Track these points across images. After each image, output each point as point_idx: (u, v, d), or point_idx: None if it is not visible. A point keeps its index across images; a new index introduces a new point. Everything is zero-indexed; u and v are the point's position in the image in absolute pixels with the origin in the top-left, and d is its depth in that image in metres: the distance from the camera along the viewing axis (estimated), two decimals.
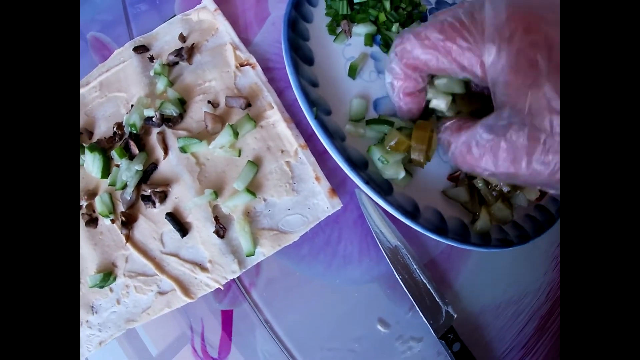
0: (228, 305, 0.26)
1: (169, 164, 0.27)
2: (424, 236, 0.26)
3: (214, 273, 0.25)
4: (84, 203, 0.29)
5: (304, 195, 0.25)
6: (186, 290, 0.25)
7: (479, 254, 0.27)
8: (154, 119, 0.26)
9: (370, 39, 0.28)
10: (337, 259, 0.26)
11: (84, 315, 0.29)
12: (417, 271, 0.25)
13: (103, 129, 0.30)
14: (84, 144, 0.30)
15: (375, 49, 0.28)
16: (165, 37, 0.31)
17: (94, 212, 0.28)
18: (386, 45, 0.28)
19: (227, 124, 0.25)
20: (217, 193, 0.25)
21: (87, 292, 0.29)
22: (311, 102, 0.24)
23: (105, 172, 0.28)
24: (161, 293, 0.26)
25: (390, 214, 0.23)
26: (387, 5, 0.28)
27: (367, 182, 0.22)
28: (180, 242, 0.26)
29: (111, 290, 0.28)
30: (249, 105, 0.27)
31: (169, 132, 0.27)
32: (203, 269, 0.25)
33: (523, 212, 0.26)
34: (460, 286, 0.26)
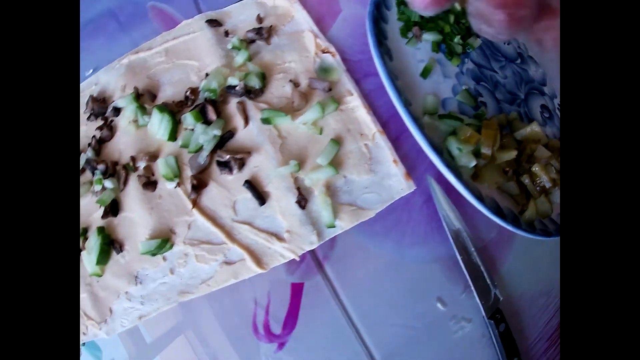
0: (299, 278, 0.26)
1: (248, 134, 0.27)
2: (477, 223, 0.29)
3: (292, 243, 0.25)
4: (142, 164, 0.28)
5: (380, 176, 0.27)
6: (258, 261, 0.25)
7: (522, 244, 0.31)
8: (237, 88, 0.27)
9: (436, 46, 0.32)
10: (405, 238, 0.28)
11: (123, 286, 0.27)
12: (474, 253, 0.28)
13: (169, 93, 0.30)
14: (146, 106, 0.29)
15: (441, 55, 0.33)
16: (240, 16, 0.32)
17: (153, 175, 0.28)
18: (450, 54, 0.32)
19: (316, 101, 0.27)
20: (299, 165, 0.26)
21: (131, 260, 0.27)
22: (399, 91, 0.27)
23: (173, 134, 0.28)
24: (228, 263, 0.26)
25: (453, 200, 0.26)
26: (452, 19, 0.33)
27: (447, 165, 0.25)
28: (256, 211, 0.26)
29: (164, 258, 0.27)
30: (330, 89, 0.29)
31: (250, 103, 0.28)
32: (280, 238, 0.25)
33: (557, 209, 0.31)
34: (504, 272, 0.30)
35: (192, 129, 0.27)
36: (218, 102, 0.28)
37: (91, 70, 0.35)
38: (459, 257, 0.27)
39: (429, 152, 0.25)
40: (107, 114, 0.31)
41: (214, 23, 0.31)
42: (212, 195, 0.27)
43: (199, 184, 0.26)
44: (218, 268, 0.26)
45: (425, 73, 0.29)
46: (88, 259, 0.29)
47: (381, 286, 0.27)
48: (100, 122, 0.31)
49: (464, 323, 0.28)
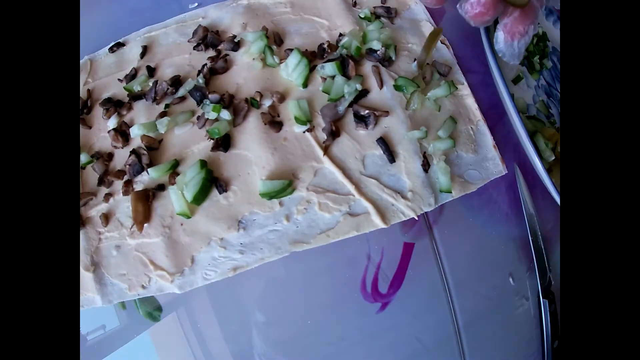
0: (411, 239, 0.28)
1: (382, 96, 0.29)
2: (541, 212, 0.34)
3: (413, 203, 0.27)
4: (267, 102, 0.27)
5: (481, 157, 0.31)
6: (383, 215, 0.26)
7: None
8: (378, 52, 0.29)
9: (523, 60, 0.40)
10: (493, 216, 0.32)
11: (219, 231, 0.26)
12: (540, 238, 0.33)
13: (297, 42, 0.31)
14: (273, 47, 0.29)
15: (524, 68, 0.40)
16: None
17: (278, 115, 0.27)
18: (530, 69, 0.40)
19: (448, 80, 0.30)
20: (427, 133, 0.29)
21: (237, 202, 0.26)
22: (507, 86, 0.32)
23: (306, 80, 0.28)
24: (351, 214, 0.26)
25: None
26: (535, 40, 0.41)
27: (538, 155, 0.30)
28: (383, 168, 0.27)
29: (281, 204, 0.26)
30: (446, 75, 0.33)
31: (383, 70, 0.30)
32: (404, 197, 0.27)
33: None
34: (554, 260, 0.36)
35: (332, 78, 0.27)
36: (354, 61, 0.29)
37: (196, 4, 0.33)
38: (530, 239, 0.33)
39: (526, 140, 0.31)
40: (220, 47, 0.30)
41: None
42: (343, 146, 0.27)
43: (336, 132, 0.27)
44: (341, 219, 0.26)
45: (517, 80, 0.36)
46: (178, 196, 0.26)
47: (474, 256, 0.30)
48: (212, 53, 0.30)
49: (524, 300, 0.33)
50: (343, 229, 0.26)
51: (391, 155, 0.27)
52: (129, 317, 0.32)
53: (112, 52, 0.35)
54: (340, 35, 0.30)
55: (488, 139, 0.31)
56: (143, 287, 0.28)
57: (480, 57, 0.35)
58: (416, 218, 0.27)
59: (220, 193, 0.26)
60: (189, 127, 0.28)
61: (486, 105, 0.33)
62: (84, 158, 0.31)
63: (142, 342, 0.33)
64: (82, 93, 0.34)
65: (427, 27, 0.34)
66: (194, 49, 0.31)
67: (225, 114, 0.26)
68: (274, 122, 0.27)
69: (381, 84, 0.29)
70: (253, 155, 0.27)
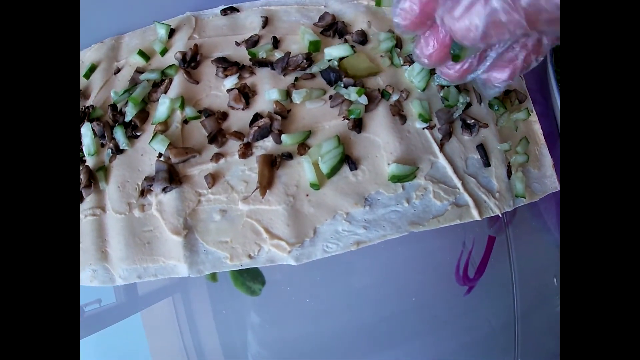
0: (494, 233, 0.34)
1: (480, 110, 0.36)
2: None
3: (500, 202, 0.34)
4: (395, 96, 0.32)
5: (542, 174, 0.40)
6: (479, 209, 0.32)
7: None
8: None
9: None
10: (546, 223, 0.40)
11: (346, 205, 0.29)
12: None
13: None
14: (397, 49, 0.34)
15: None
16: None
17: (402, 110, 0.32)
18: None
19: (527, 107, 0.38)
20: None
21: (365, 181, 0.30)
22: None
23: (426, 85, 0.33)
24: (457, 205, 0.32)
25: None
26: None
27: None
28: (479, 170, 0.34)
29: (403, 188, 0.30)
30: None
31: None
32: (493, 196, 0.33)
33: None
34: None
35: (448, 86, 0.34)
36: None
37: None
38: None
39: None
40: (347, 37, 0.34)
41: None
42: (452, 146, 0.33)
43: (449, 133, 0.32)
44: (449, 208, 0.31)
45: None
46: (310, 167, 0.28)
47: (532, 255, 0.38)
48: (338, 40, 0.34)
49: (556, 302, 0.42)
50: (450, 216, 0.32)
51: (487, 160, 0.34)
52: (127, 294, 0.35)
53: (225, 15, 0.36)
54: None
55: (548, 159, 0.41)
56: (250, 256, 0.29)
57: (542, 91, 0.46)
58: (500, 215, 0.34)
59: (350, 170, 0.30)
60: (320, 103, 0.31)
61: (544, 132, 0.43)
62: (189, 112, 0.32)
63: (133, 323, 0.35)
64: (187, 46, 0.35)
65: None
66: (321, 33, 0.35)
67: (364, 99, 0.30)
68: (400, 115, 0.32)
69: (480, 100, 0.36)
70: (382, 140, 0.31)
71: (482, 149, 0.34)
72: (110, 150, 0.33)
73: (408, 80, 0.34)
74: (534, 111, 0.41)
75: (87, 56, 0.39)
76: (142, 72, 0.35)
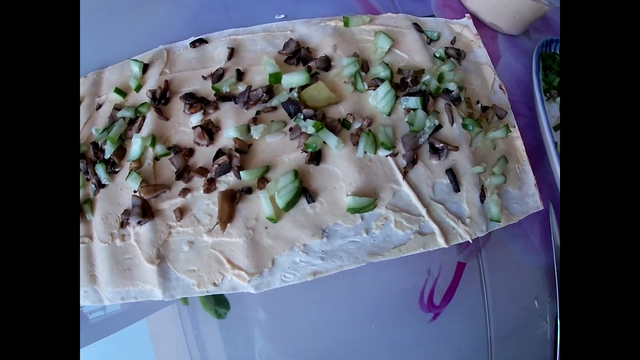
0: (464, 259, 0.35)
1: (452, 132, 0.36)
2: None
3: (470, 228, 0.34)
4: (357, 124, 0.33)
5: (523, 194, 0.39)
6: (445, 237, 0.33)
7: None
8: (453, 93, 0.36)
9: None
10: (528, 244, 0.40)
11: (303, 237, 0.31)
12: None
13: (381, 73, 0.36)
14: (362, 73, 0.34)
15: None
16: (435, 30, 0.42)
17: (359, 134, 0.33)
18: None
19: (506, 124, 0.38)
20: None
21: (323, 213, 0.32)
22: (552, 132, 0.40)
23: (392, 110, 0.34)
24: (420, 234, 0.33)
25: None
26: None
27: None
28: (448, 195, 0.34)
29: (362, 218, 0.31)
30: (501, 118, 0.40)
31: (454, 108, 0.37)
32: (463, 222, 0.34)
33: None
34: None
35: (414, 110, 0.34)
36: (432, 97, 0.36)
37: (283, 16, 0.38)
38: (555, 268, 0.41)
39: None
40: (311, 64, 0.35)
41: (418, 27, 0.40)
42: (418, 172, 0.34)
43: (413, 160, 0.33)
44: (412, 236, 0.32)
45: (557, 128, 0.45)
46: (268, 201, 0.31)
47: (509, 278, 0.38)
48: (301, 68, 0.35)
49: (544, 323, 0.41)
50: (413, 245, 0.33)
51: (457, 185, 0.34)
52: (131, 303, 0.36)
53: (194, 47, 0.39)
54: (422, 71, 0.37)
55: (530, 177, 0.40)
56: (215, 284, 0.32)
57: (528, 103, 0.44)
58: (470, 241, 0.35)
59: (308, 202, 0.32)
60: (280, 136, 0.33)
61: (529, 147, 0.42)
62: (159, 149, 0.35)
63: (138, 329, 0.37)
64: (159, 82, 0.38)
65: (488, 71, 0.42)
66: (285, 61, 0.36)
67: (324, 134, 0.32)
68: (357, 143, 0.33)
69: (452, 121, 0.36)
70: (341, 171, 0.32)
71: (451, 173, 0.35)
72: (93, 185, 0.37)
73: (372, 105, 0.35)
74: (516, 126, 0.40)
75: None
76: (119, 109, 0.39)
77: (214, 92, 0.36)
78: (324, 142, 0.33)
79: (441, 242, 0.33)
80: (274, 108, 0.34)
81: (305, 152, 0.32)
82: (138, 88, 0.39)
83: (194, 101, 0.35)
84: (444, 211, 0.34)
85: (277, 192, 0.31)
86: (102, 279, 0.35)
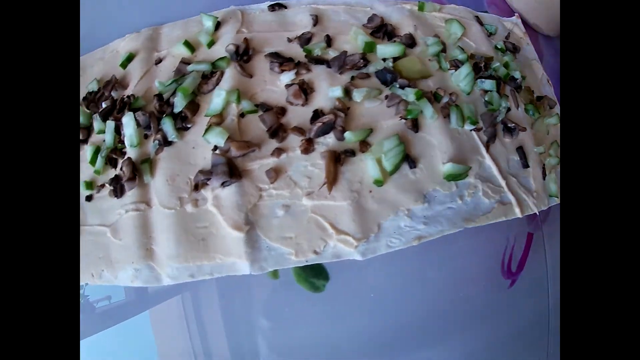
0: (532, 230, 0.38)
1: (517, 114, 0.40)
2: None
3: (537, 201, 0.38)
4: (445, 99, 0.35)
5: None
6: (521, 207, 0.36)
7: None
8: (518, 80, 0.40)
9: None
10: None
11: (407, 202, 0.32)
12: None
13: (459, 56, 0.39)
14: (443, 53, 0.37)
15: None
16: (493, 25, 0.47)
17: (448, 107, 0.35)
18: None
19: (557, 113, 0.43)
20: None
21: (423, 179, 0.33)
22: None
23: (471, 89, 0.37)
24: (502, 203, 0.35)
25: None
26: None
27: None
28: (519, 171, 0.38)
29: (457, 186, 0.33)
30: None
31: (517, 94, 0.41)
32: (532, 195, 0.37)
33: None
34: None
35: (489, 91, 0.37)
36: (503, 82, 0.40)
37: None
38: None
39: None
40: (396, 39, 0.37)
41: (478, 20, 0.45)
42: (497, 147, 0.37)
43: (494, 135, 0.36)
44: (495, 205, 0.35)
45: None
46: (374, 164, 0.31)
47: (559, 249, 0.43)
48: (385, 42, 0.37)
49: None
50: (497, 214, 0.35)
51: (526, 162, 0.38)
52: (136, 291, 0.36)
53: (272, 11, 0.38)
54: (490, 58, 0.42)
55: None
56: (315, 252, 0.30)
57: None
58: (537, 214, 0.38)
59: (410, 168, 0.32)
60: (377, 103, 0.34)
61: None
62: (246, 105, 0.33)
63: (141, 321, 0.36)
64: (236, 40, 0.36)
65: (537, 66, 0.49)
66: (371, 34, 0.37)
67: (424, 101, 0.33)
68: (448, 115, 0.35)
69: (517, 105, 0.41)
70: (436, 140, 0.34)
71: (521, 151, 0.39)
72: (157, 142, 0.33)
73: (454, 84, 0.38)
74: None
75: (122, 46, 0.39)
76: (188, 64, 0.36)
77: (305, 53, 0.35)
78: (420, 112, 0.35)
79: (517, 212, 0.36)
80: (368, 75, 0.35)
81: (405, 119, 0.33)
82: (210, 44, 0.37)
83: (284, 60, 0.35)
84: (517, 184, 0.38)
85: (383, 154, 0.31)
86: (164, 252, 0.31)
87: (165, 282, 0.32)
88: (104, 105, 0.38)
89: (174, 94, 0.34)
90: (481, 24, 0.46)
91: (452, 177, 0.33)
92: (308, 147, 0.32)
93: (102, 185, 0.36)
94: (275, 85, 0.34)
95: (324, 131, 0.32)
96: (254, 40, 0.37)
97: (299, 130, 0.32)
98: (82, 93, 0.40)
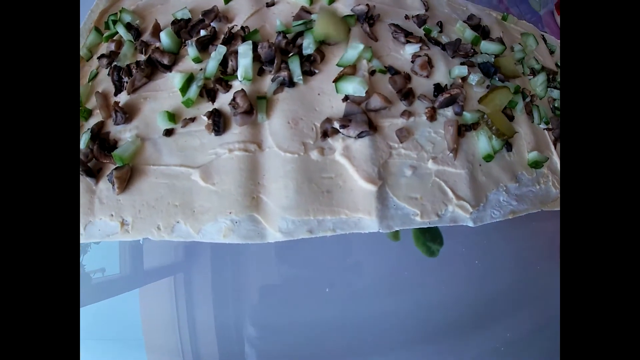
0: None
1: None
2: None
3: None
4: (527, 99, 0.40)
5: None
6: None
7: None
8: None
9: None
10: None
11: (505, 179, 0.37)
12: None
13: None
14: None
15: None
16: (554, 44, 0.57)
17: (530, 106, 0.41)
18: None
19: None
20: None
21: (515, 162, 0.37)
22: None
23: (545, 94, 0.43)
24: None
25: None
26: None
27: None
28: None
29: (535, 173, 0.38)
30: None
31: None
32: None
33: None
34: None
35: (557, 99, 0.45)
36: None
37: None
38: None
39: None
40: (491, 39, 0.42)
41: (544, 38, 0.54)
42: (558, 147, 0.43)
43: (559, 137, 0.42)
44: (558, 194, 0.40)
45: None
46: (487, 141, 0.34)
47: None
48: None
49: None
50: (558, 202, 0.41)
51: None
52: (133, 267, 0.37)
53: None
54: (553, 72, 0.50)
55: None
56: (437, 215, 0.30)
57: None
58: None
59: (507, 150, 0.36)
60: (482, 89, 0.38)
61: None
62: (376, 64, 0.34)
63: (129, 298, 0.36)
64: (361, 2, 0.36)
65: None
66: (471, 28, 0.42)
67: (519, 96, 0.38)
68: (530, 113, 0.41)
69: None
70: (522, 131, 0.39)
71: None
72: (278, 80, 0.30)
73: (533, 88, 0.45)
74: None
75: None
76: (309, 13, 0.35)
77: (425, 33, 0.38)
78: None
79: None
80: (472, 64, 0.39)
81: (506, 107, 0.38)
82: (331, 1, 0.36)
83: (406, 33, 0.36)
84: None
85: (492, 134, 0.35)
86: (277, 203, 0.28)
87: (273, 238, 0.28)
88: (202, 32, 0.34)
89: (298, 36, 0.33)
90: (545, 42, 0.55)
91: (535, 164, 0.39)
92: (433, 114, 0.33)
93: (192, 119, 0.31)
94: (399, 54, 0.36)
95: (447, 103, 0.34)
96: (375, 9, 0.38)
97: (428, 97, 0.34)
98: (165, 20, 0.36)
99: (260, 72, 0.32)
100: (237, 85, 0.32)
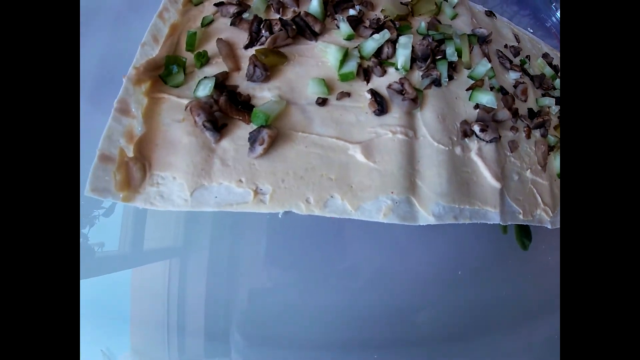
0: None
1: None
2: None
3: None
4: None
5: None
6: None
7: None
8: None
9: None
10: None
11: None
12: None
13: None
14: None
15: None
16: None
17: None
18: None
19: None
20: None
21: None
22: None
23: None
24: None
25: None
26: None
27: None
28: None
29: None
30: None
31: None
32: None
33: None
34: None
35: None
36: None
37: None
38: None
39: None
40: None
41: None
42: None
43: None
44: None
45: None
46: (558, 162, 0.42)
47: None
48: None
49: None
50: None
51: None
52: (132, 246, 0.35)
53: (488, 16, 0.49)
54: None
55: None
56: (532, 215, 0.37)
57: None
58: None
59: None
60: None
61: None
62: (495, 83, 0.40)
63: (121, 278, 0.35)
64: (473, 25, 0.43)
65: None
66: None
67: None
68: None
69: None
70: None
71: None
72: (431, 78, 0.34)
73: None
74: None
75: None
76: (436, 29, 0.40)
77: (521, 63, 0.47)
78: None
79: None
80: (551, 97, 0.48)
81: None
82: (453, 17, 0.42)
83: (512, 60, 0.43)
84: None
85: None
86: (432, 188, 0.32)
87: (424, 220, 0.31)
88: (351, 12, 0.36)
89: (442, 42, 0.37)
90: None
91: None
92: (529, 133, 0.41)
93: (348, 94, 0.32)
94: (504, 76, 0.43)
95: (538, 126, 0.42)
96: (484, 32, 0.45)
97: (526, 118, 0.41)
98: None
99: (410, 66, 0.36)
100: (391, 71, 0.35)
